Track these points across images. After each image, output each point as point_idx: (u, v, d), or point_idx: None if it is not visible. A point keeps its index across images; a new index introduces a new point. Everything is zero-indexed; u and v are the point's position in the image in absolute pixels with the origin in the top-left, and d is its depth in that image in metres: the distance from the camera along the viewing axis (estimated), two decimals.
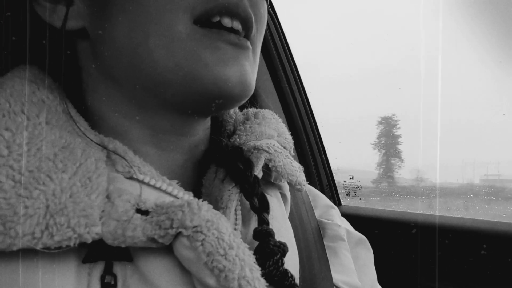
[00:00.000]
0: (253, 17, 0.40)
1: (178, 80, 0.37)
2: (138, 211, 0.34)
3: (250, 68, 0.40)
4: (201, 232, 0.33)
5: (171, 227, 0.32)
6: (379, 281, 0.60)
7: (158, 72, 0.37)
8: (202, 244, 0.32)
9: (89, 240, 0.31)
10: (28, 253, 0.31)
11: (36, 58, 0.40)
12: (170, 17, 0.36)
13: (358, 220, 0.87)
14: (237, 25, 0.39)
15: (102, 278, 0.33)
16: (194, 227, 0.33)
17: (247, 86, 0.39)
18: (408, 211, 1.20)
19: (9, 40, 0.40)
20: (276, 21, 1.30)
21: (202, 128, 0.46)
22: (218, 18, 0.38)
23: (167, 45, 0.36)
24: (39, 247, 0.30)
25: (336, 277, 0.50)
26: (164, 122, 0.41)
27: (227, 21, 0.38)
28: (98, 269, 0.33)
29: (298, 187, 0.49)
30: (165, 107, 0.40)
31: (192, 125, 0.44)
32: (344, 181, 1.45)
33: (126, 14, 0.37)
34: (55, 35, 0.40)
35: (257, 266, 0.35)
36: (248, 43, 0.40)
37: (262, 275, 0.35)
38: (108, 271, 0.33)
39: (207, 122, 0.48)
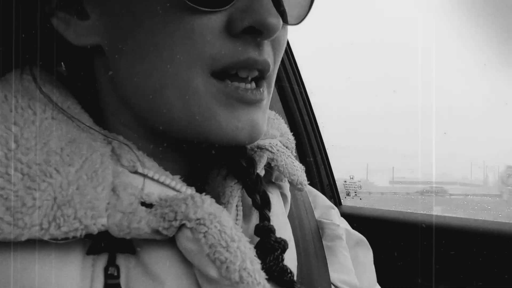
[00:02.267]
0: (271, 65, 0.39)
1: (190, 132, 0.38)
2: (143, 204, 0.35)
3: (262, 116, 0.41)
4: (204, 224, 0.33)
5: (175, 219, 0.33)
6: (379, 282, 0.60)
7: (173, 119, 0.38)
8: (204, 236, 0.33)
9: (95, 231, 0.32)
10: (36, 244, 0.32)
11: (44, 59, 0.41)
12: (188, 71, 0.36)
13: (358, 220, 0.87)
14: (253, 74, 0.39)
15: (106, 269, 0.33)
16: (197, 219, 0.33)
17: (256, 135, 0.40)
18: (408, 211, 1.20)
19: (19, 40, 0.40)
20: None
21: None
22: (235, 71, 0.38)
23: (183, 99, 0.37)
24: (46, 237, 0.31)
25: (334, 276, 0.50)
26: (173, 144, 0.43)
27: (243, 73, 0.38)
28: (101, 261, 0.34)
29: (299, 186, 0.50)
30: (174, 138, 0.41)
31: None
32: (345, 181, 1.45)
33: (144, 58, 0.37)
34: (68, 47, 0.40)
35: (258, 259, 0.35)
36: (264, 94, 0.40)
37: (263, 269, 0.35)
38: (111, 263, 0.34)
39: None
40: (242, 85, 0.38)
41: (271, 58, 0.40)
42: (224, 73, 0.38)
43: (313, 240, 0.52)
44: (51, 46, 0.40)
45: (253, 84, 0.39)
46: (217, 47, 0.36)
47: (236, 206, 0.44)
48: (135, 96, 0.39)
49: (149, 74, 0.37)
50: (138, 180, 0.37)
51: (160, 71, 0.37)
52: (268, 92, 0.42)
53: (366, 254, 0.58)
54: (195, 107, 0.37)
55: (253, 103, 0.39)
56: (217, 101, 0.37)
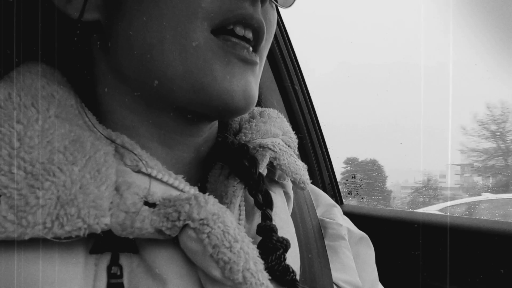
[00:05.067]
0: (265, 27, 0.41)
1: (185, 87, 0.38)
2: (146, 203, 0.34)
3: (255, 81, 0.42)
4: (208, 225, 0.33)
5: (178, 219, 0.33)
6: (381, 280, 0.60)
7: (167, 76, 0.38)
8: (208, 237, 0.33)
9: (98, 231, 0.32)
10: (39, 243, 0.32)
11: (45, 53, 0.41)
12: (188, 24, 0.37)
13: (360, 219, 0.87)
14: (248, 34, 0.40)
15: (109, 268, 0.33)
16: (201, 219, 0.33)
17: (250, 100, 0.40)
18: (410, 210, 1.20)
19: (20, 37, 0.40)
20: (279, 19, 1.29)
21: (208, 129, 0.47)
22: (231, 26, 0.39)
23: (181, 52, 0.37)
24: (49, 236, 0.31)
25: (336, 275, 0.50)
26: (171, 122, 0.42)
27: (239, 30, 0.39)
28: (104, 260, 0.34)
29: (302, 185, 0.50)
30: (170, 109, 0.41)
31: (198, 126, 0.45)
32: (346, 180, 1.45)
33: (142, 14, 0.37)
34: (67, 27, 0.40)
35: (261, 260, 0.35)
36: (257, 58, 0.41)
37: (265, 269, 0.35)
38: (114, 262, 0.34)
39: (214, 122, 0.49)
40: (240, 44, 0.40)
41: (264, 27, 0.41)
42: (223, 30, 0.39)
43: (315, 239, 0.52)
44: (52, 43, 0.40)
45: (250, 49, 0.41)
46: (214, 0, 0.37)
47: (239, 206, 0.44)
48: (131, 58, 0.39)
49: (147, 29, 0.37)
50: (141, 180, 0.36)
51: (159, 25, 0.37)
52: (260, 63, 0.43)
53: (368, 252, 0.58)
54: (192, 61, 0.37)
55: (249, 62, 0.40)
56: (215, 57, 0.38)
